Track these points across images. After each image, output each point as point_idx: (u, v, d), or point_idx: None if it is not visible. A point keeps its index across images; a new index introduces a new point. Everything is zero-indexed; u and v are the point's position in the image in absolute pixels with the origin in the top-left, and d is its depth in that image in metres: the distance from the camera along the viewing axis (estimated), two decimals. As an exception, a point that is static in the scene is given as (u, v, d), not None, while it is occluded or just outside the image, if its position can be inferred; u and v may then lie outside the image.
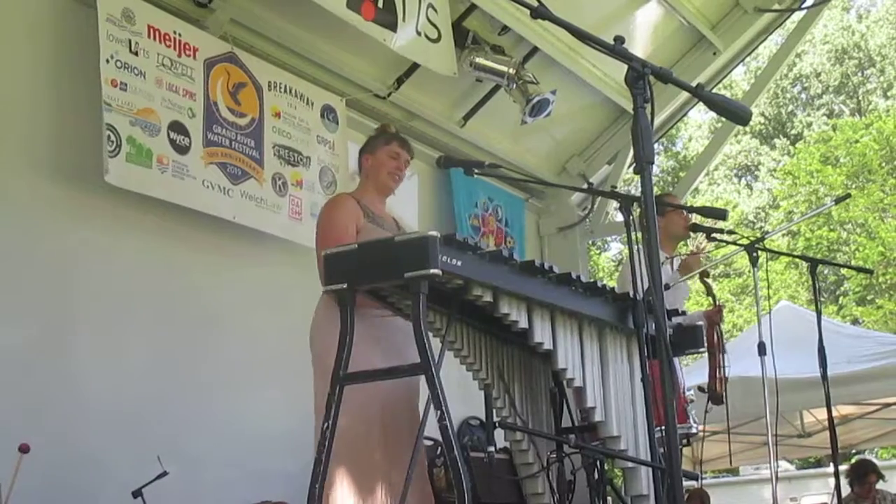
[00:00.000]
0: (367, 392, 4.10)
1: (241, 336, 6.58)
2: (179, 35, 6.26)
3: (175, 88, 6.17)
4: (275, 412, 6.52)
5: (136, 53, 5.92)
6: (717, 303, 6.80)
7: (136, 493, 5.28)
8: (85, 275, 5.80)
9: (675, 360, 5.94)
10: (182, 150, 6.16)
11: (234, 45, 6.66)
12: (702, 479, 8.34)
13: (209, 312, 6.46)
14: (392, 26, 6.56)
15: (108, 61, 5.73)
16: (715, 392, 6.53)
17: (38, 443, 4.84)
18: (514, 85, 7.95)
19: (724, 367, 6.57)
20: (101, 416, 5.60)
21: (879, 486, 9.90)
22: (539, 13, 3.05)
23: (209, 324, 6.43)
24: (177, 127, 6.14)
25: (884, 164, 26.07)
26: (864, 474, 9.65)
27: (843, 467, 9.10)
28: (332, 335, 4.08)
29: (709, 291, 6.80)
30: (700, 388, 6.42)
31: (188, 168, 6.17)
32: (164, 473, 5.33)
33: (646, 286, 4.11)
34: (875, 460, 13.83)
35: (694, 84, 3.28)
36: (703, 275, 6.95)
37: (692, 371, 7.63)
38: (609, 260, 27.57)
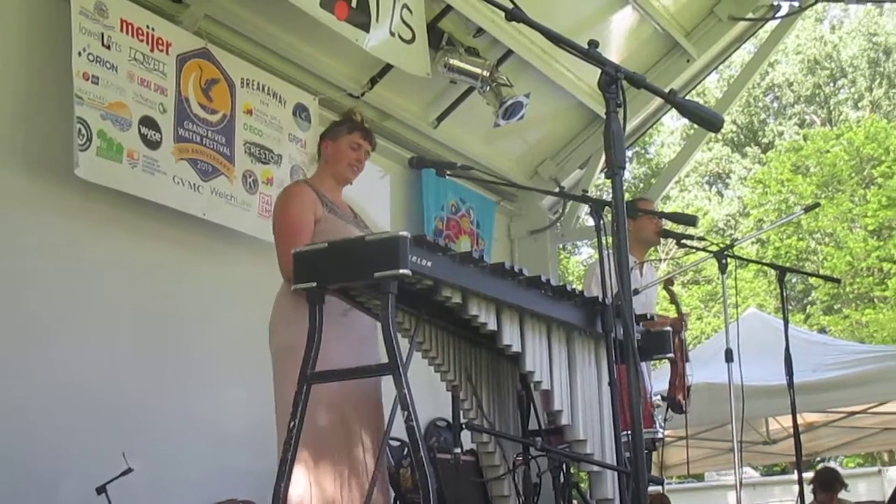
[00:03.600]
0: (331, 388, 4.09)
1: (210, 333, 6.56)
2: (153, 30, 6.23)
3: (147, 83, 6.14)
4: (243, 410, 6.49)
5: (109, 47, 5.89)
6: (681, 311, 6.83)
7: (101, 490, 5.25)
8: (53, 269, 5.76)
9: (644, 364, 5.96)
10: (153, 145, 6.13)
11: (208, 42, 6.64)
12: (664, 484, 8.38)
13: (177, 309, 6.43)
14: (365, 26, 6.54)
15: (80, 54, 5.70)
16: (674, 400, 6.56)
17: (1, 437, 4.81)
18: (488, 87, 7.96)
19: (686, 375, 6.60)
20: (65, 411, 5.56)
21: (842, 495, 9.96)
22: (514, 15, 3.05)
23: (177, 320, 6.41)
24: (148, 122, 6.11)
25: (853, 175, 26.26)
26: (829, 483, 9.70)
27: (807, 475, 9.16)
28: (291, 330, 4.14)
29: (672, 299, 6.82)
30: (662, 397, 6.45)
31: (159, 163, 6.15)
32: (129, 470, 5.30)
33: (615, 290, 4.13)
34: (839, 468, 13.94)
35: (667, 90, 3.29)
36: (668, 283, 6.98)
37: (658, 376, 7.65)
38: (579, 264, 27.63)
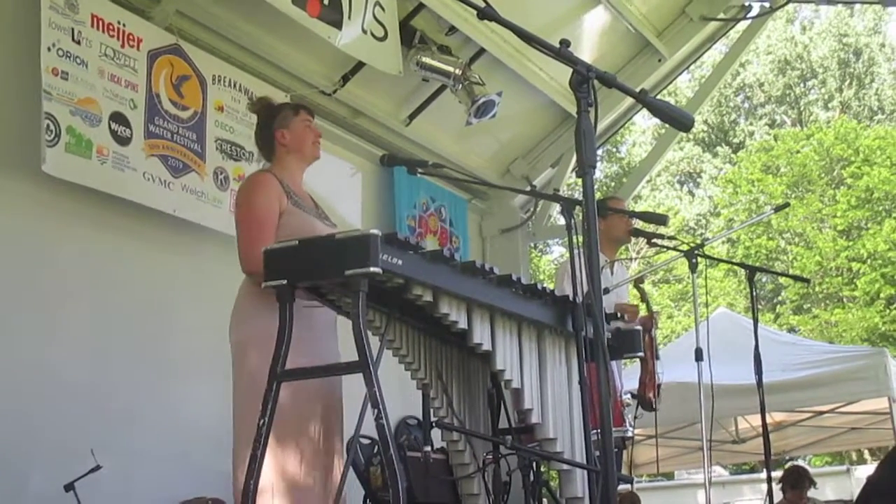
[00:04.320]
0: (293, 384, 4.08)
1: (180, 329, 6.54)
2: (123, 25, 6.20)
3: (117, 79, 6.11)
4: (212, 407, 6.45)
5: (79, 42, 5.86)
6: (651, 310, 6.84)
7: (69, 487, 5.23)
8: (20, 265, 5.72)
9: (614, 363, 5.97)
10: (123, 141, 6.11)
11: (180, 38, 6.61)
12: (634, 482, 8.40)
13: (147, 305, 6.41)
14: (337, 24, 6.53)
15: (49, 49, 5.67)
16: (644, 398, 6.58)
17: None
18: (460, 85, 7.97)
19: (656, 373, 6.62)
20: (32, 407, 5.53)
21: (811, 493, 10.02)
22: (486, 14, 3.05)
23: (147, 317, 6.38)
24: (118, 118, 6.08)
25: (823, 175, 26.45)
26: (797, 481, 9.76)
27: (775, 473, 9.21)
28: (251, 325, 4.17)
29: (643, 298, 6.84)
30: (632, 395, 6.47)
31: (129, 160, 6.12)
32: (98, 467, 5.28)
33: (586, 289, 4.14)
34: (807, 467, 14.03)
35: (638, 90, 3.30)
36: (638, 281, 7.00)
37: (628, 375, 7.68)
38: (550, 263, 27.68)
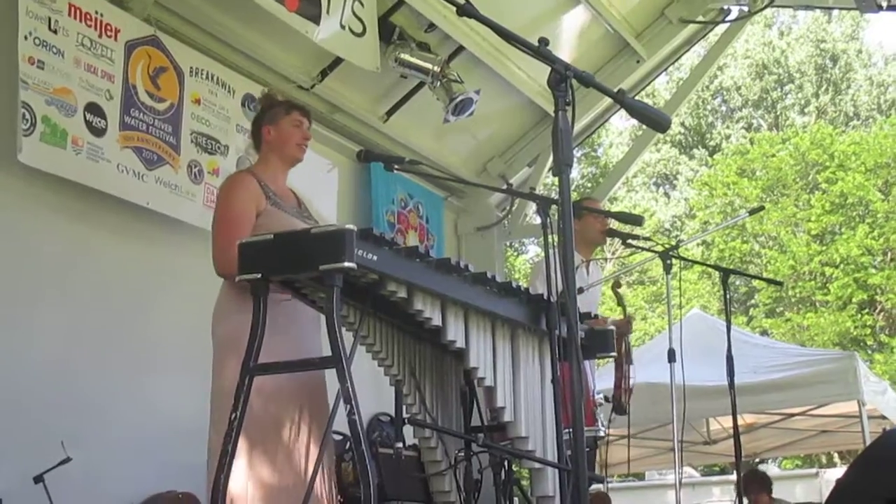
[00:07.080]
0: (281, 380, 4.07)
1: (153, 323, 6.51)
2: (101, 15, 6.17)
3: (93, 69, 6.08)
4: (183, 401, 6.43)
5: (56, 32, 5.83)
6: (627, 314, 6.86)
7: (38, 479, 5.20)
8: (-7, 254, 5.70)
9: (588, 362, 5.98)
10: (98, 132, 6.07)
11: (158, 29, 6.58)
12: (607, 482, 8.42)
13: (121, 298, 6.37)
14: (315, 18, 6.53)
15: (26, 38, 5.63)
16: (618, 402, 6.59)
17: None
18: (439, 83, 7.96)
19: (629, 377, 6.64)
20: (4, 398, 5.49)
21: (779, 495, 10.06)
22: (465, 11, 3.05)
23: (121, 309, 6.35)
24: (93, 108, 6.05)
25: (798, 180, 26.55)
26: (753, 482, 9.82)
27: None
28: (234, 321, 4.11)
29: (619, 302, 6.85)
30: (605, 398, 6.48)
31: (103, 151, 6.09)
32: (68, 459, 5.26)
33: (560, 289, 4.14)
34: (778, 469, 14.12)
35: (616, 90, 3.30)
36: (616, 285, 7.01)
37: (600, 375, 7.69)
38: (526, 262, 27.70)
